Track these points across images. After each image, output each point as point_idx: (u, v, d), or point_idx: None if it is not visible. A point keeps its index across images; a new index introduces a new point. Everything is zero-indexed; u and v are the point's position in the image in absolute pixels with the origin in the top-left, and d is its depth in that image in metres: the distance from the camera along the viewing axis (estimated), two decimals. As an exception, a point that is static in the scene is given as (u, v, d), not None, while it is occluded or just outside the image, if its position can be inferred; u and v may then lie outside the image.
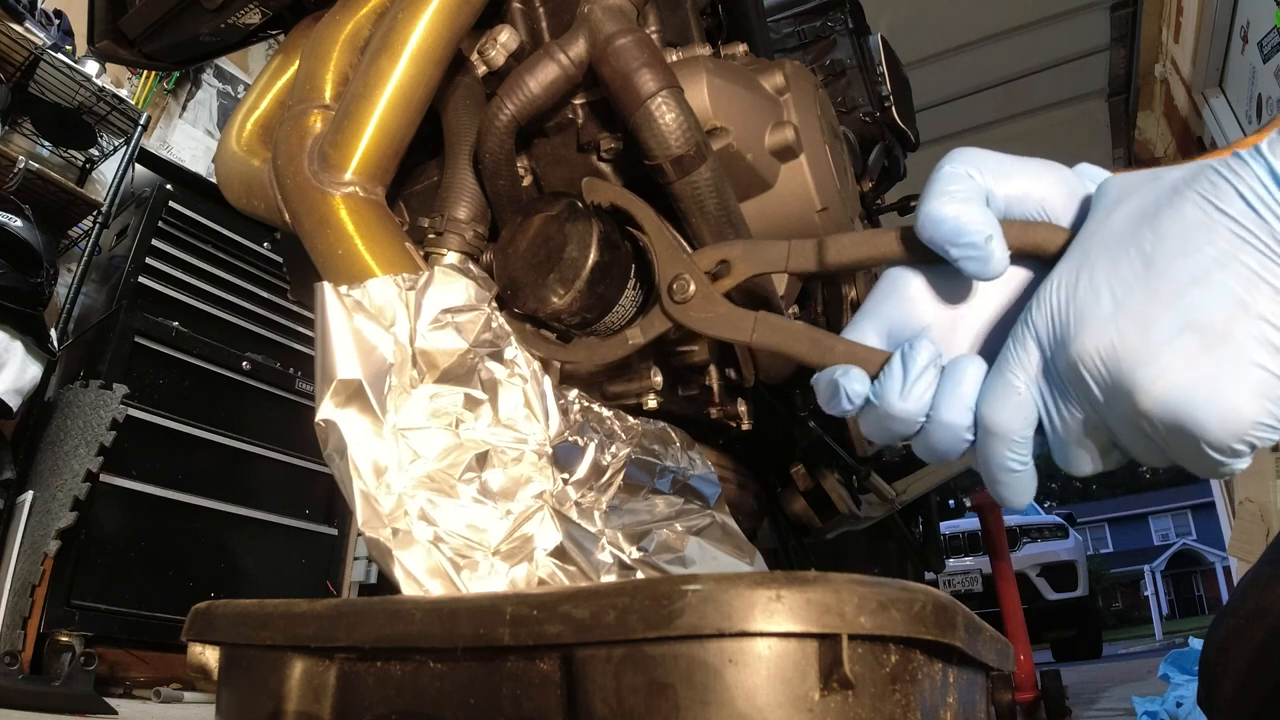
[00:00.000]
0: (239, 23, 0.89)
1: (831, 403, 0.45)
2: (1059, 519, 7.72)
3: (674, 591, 0.34)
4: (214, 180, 0.92)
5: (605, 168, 0.81)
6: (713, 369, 0.86)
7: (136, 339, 2.79)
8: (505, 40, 0.81)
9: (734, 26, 1.05)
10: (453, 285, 0.68)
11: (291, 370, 3.24)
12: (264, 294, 3.27)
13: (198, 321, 3.03)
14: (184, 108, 4.14)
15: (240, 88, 4.36)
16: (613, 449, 0.74)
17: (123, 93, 3.28)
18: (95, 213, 3.05)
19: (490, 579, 0.59)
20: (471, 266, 0.73)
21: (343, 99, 0.74)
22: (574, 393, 0.74)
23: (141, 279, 2.91)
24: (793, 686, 0.34)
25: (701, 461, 0.83)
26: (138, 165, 3.26)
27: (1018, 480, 0.41)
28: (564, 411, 0.70)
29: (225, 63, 4.31)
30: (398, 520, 0.59)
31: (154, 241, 2.99)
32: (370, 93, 0.71)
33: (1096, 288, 0.37)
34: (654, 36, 0.86)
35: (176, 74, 3.98)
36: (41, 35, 3.01)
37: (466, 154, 0.78)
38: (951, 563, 6.61)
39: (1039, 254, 0.43)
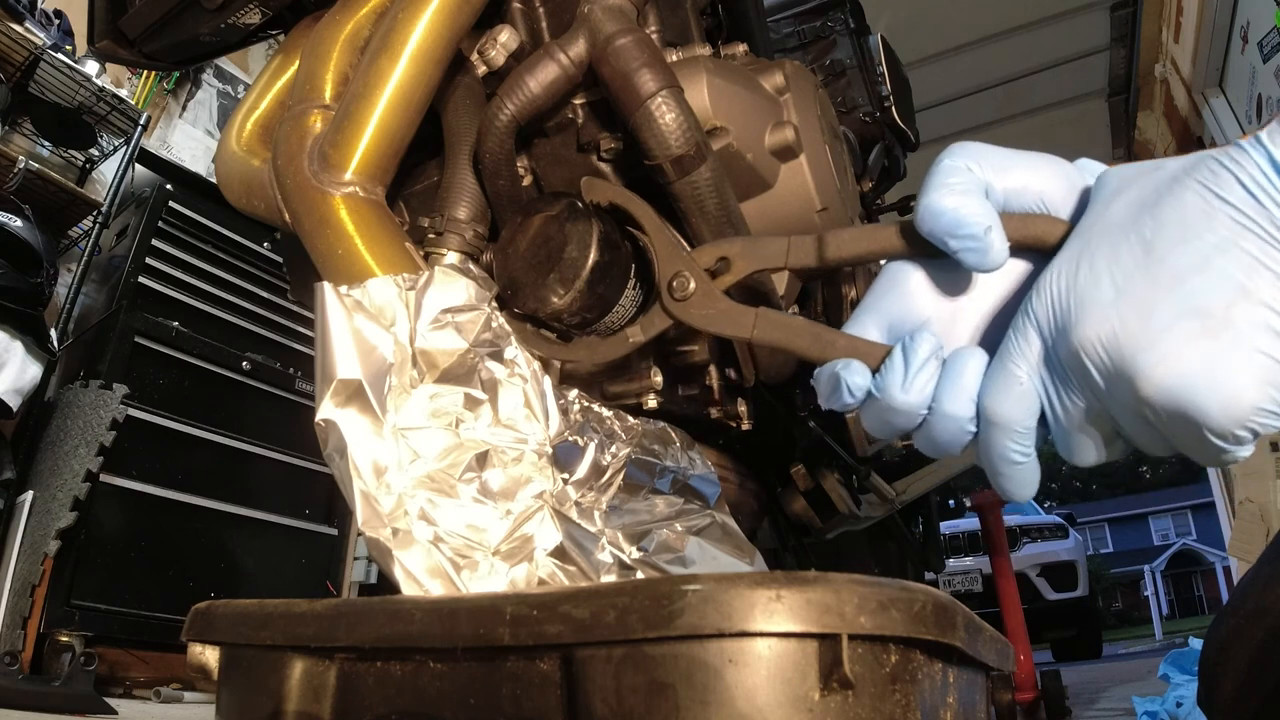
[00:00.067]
0: (239, 23, 0.89)
1: (833, 397, 0.45)
2: (1059, 519, 7.72)
3: (674, 591, 0.34)
4: (214, 180, 0.92)
5: (605, 168, 0.81)
6: (713, 369, 0.86)
7: (136, 339, 2.79)
8: (505, 40, 0.81)
9: (734, 26, 1.05)
10: (453, 285, 0.68)
11: (291, 370, 3.24)
12: (264, 294, 3.27)
13: (198, 321, 3.03)
14: (184, 108, 4.14)
15: (240, 88, 4.36)
16: (613, 449, 0.74)
17: (123, 93, 3.28)
18: (95, 213, 3.05)
19: (490, 579, 0.59)
20: (471, 266, 0.73)
21: (343, 99, 0.74)
22: (574, 393, 0.74)
23: (141, 279, 2.91)
24: (793, 686, 0.34)
25: (701, 461, 0.83)
26: (138, 165, 3.26)
27: (1020, 472, 0.41)
28: (564, 411, 0.70)
29: (225, 63, 4.31)
30: (398, 520, 0.59)
31: (154, 241, 2.99)
32: (370, 93, 0.71)
33: (1097, 275, 0.38)
34: (654, 36, 0.86)
35: (176, 74, 3.98)
36: (41, 35, 3.01)
37: (466, 154, 0.78)
38: (951, 563, 6.61)
39: (1038, 246, 0.43)
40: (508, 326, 0.69)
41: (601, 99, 0.78)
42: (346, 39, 0.78)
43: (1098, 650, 7.73)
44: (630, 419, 0.78)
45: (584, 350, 0.71)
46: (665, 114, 0.69)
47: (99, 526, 2.56)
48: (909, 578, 1.39)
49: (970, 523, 5.62)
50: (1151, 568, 20.47)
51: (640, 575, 0.65)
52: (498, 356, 0.67)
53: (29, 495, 2.54)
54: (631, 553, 0.67)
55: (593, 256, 0.68)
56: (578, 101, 0.80)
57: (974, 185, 0.42)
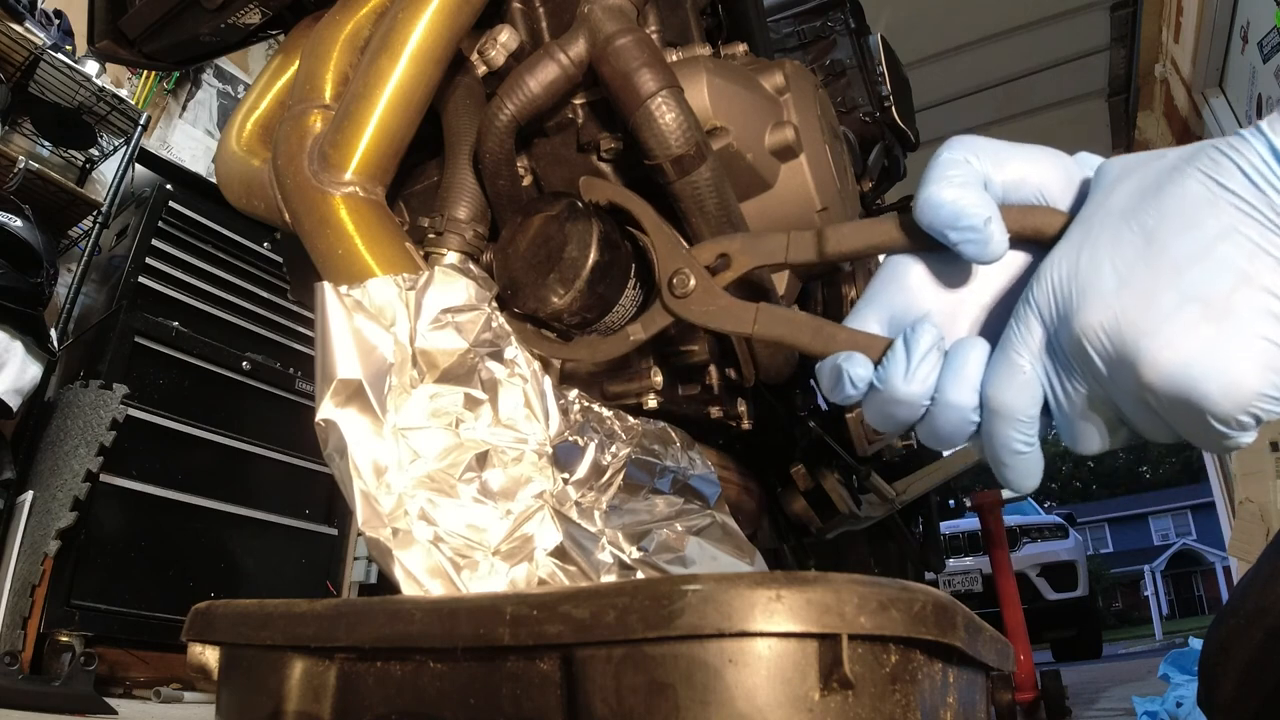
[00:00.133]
0: (239, 23, 0.89)
1: (835, 390, 0.45)
2: (1059, 519, 7.72)
3: (674, 591, 0.34)
4: (214, 180, 0.92)
5: (605, 167, 0.81)
6: (713, 368, 0.86)
7: (136, 339, 2.79)
8: (505, 40, 0.81)
9: (734, 26, 1.05)
10: (453, 285, 0.68)
11: (291, 370, 3.24)
12: (264, 294, 3.27)
13: (198, 321, 3.03)
14: (184, 108, 4.14)
15: (240, 88, 4.36)
16: (613, 449, 0.73)
17: (123, 93, 3.28)
18: (95, 213, 3.05)
19: (490, 579, 0.59)
20: (471, 266, 0.73)
21: (343, 99, 0.74)
22: (574, 393, 0.74)
23: (141, 279, 2.91)
24: (793, 686, 0.34)
25: (701, 461, 0.83)
26: (138, 165, 3.26)
27: (1024, 463, 0.41)
28: (564, 411, 0.70)
29: (225, 63, 4.31)
30: (398, 520, 0.59)
31: (154, 241, 2.99)
32: (370, 93, 0.71)
33: (1098, 263, 0.38)
34: (654, 36, 0.86)
35: (176, 74, 3.98)
36: (41, 35, 3.01)
37: (466, 154, 0.78)
38: (951, 563, 6.61)
39: (1038, 238, 0.43)
40: (508, 326, 0.69)
41: (601, 99, 0.78)
42: (346, 39, 0.78)
43: (1098, 650, 7.73)
44: (630, 419, 0.78)
45: (585, 349, 0.71)
46: (665, 114, 0.69)
47: (99, 526, 2.56)
48: (909, 578, 1.39)
49: (970, 523, 5.62)
50: (1151, 568, 20.47)
51: (640, 575, 0.65)
52: (498, 356, 0.67)
53: (29, 495, 2.54)
54: (631, 553, 0.67)
55: (593, 256, 0.68)
56: (578, 101, 0.80)
57: (973, 177, 0.42)
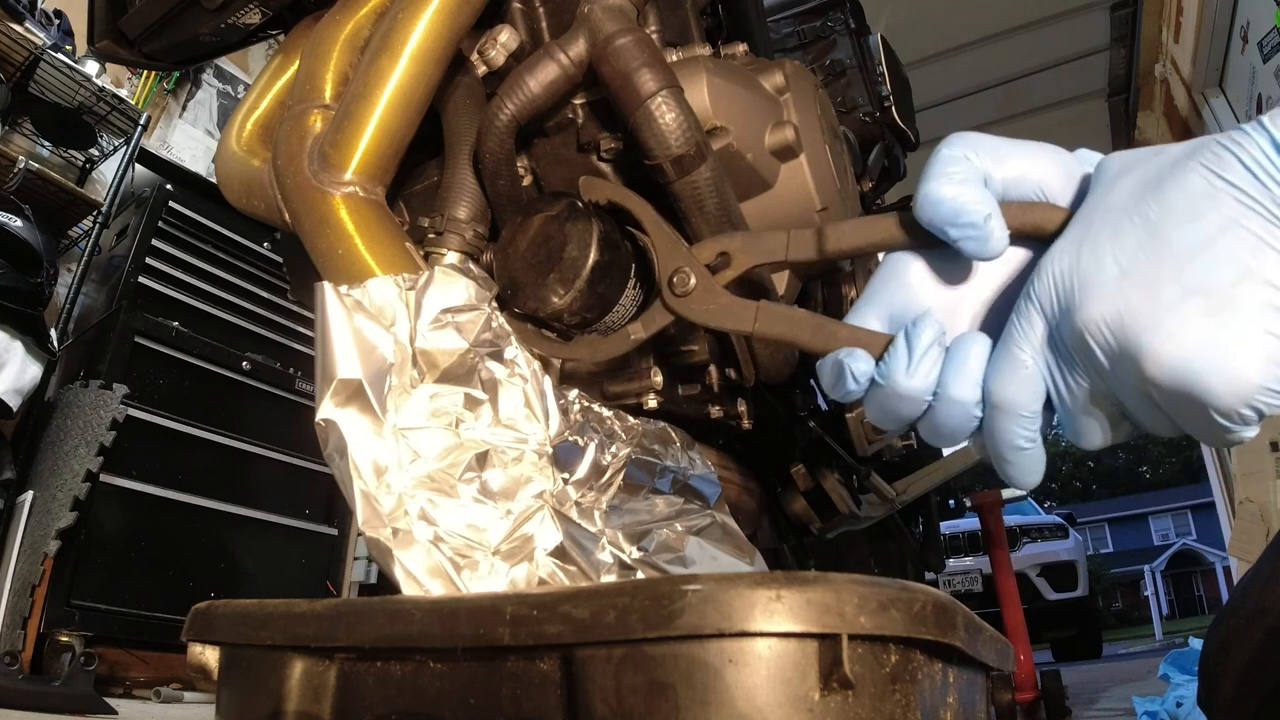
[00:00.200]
0: (239, 23, 0.89)
1: (837, 386, 0.45)
2: (1059, 519, 7.72)
3: (674, 591, 0.34)
4: (214, 180, 0.92)
5: (605, 167, 0.81)
6: (713, 368, 0.87)
7: (136, 339, 2.79)
8: (505, 40, 0.81)
9: (734, 26, 1.05)
10: (453, 285, 0.68)
11: (291, 370, 3.24)
12: (264, 294, 3.27)
13: (198, 321, 3.03)
14: (184, 108, 4.14)
15: (240, 88, 4.36)
16: (613, 449, 0.73)
17: (123, 93, 3.28)
18: (95, 213, 3.05)
19: (490, 579, 0.59)
20: (471, 266, 0.73)
21: (343, 99, 0.74)
22: (574, 393, 0.74)
23: (141, 279, 2.91)
24: (793, 686, 0.34)
25: (701, 461, 0.83)
26: (138, 165, 3.26)
27: (1026, 459, 0.41)
28: (564, 411, 0.70)
29: (225, 63, 4.31)
30: (398, 520, 0.59)
31: (154, 241, 2.99)
32: (370, 93, 0.71)
33: (1100, 256, 0.37)
34: (654, 36, 0.86)
35: (176, 74, 3.98)
36: (41, 35, 3.01)
37: (466, 154, 0.78)
38: (951, 563, 6.61)
39: (1038, 234, 0.43)
40: (508, 326, 0.69)
41: (601, 99, 0.78)
42: (346, 39, 0.78)
43: (1098, 650, 7.73)
44: (630, 419, 0.78)
45: (585, 348, 0.71)
46: (665, 114, 0.69)
47: (99, 526, 2.56)
48: (909, 578, 1.39)
49: (970, 523, 5.63)
50: (1151, 568, 20.47)
51: (640, 575, 0.65)
52: (498, 356, 0.67)
53: (29, 495, 2.54)
54: (631, 553, 0.67)
55: (593, 256, 0.68)
56: (578, 101, 0.80)
57: (973, 174, 0.42)
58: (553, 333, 0.76)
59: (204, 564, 2.83)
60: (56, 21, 3.22)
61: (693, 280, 0.53)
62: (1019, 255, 0.45)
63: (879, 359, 0.43)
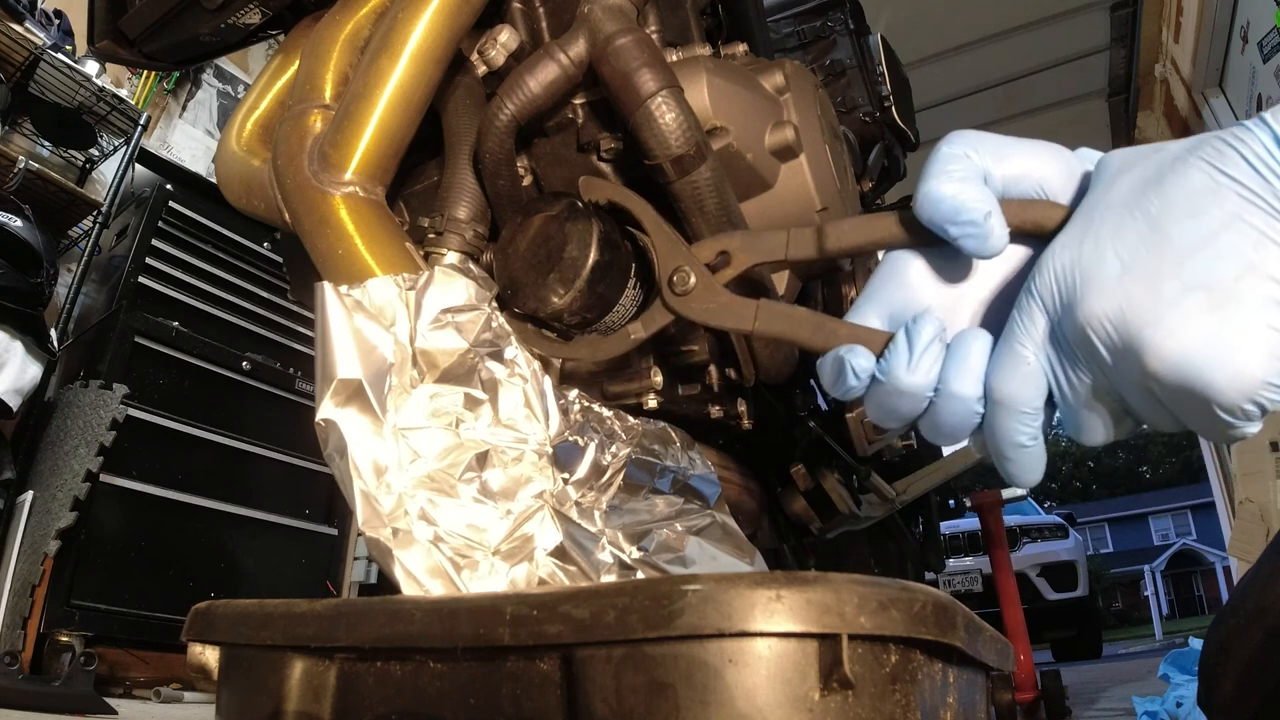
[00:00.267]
0: (239, 23, 0.89)
1: (838, 383, 0.44)
2: (1059, 519, 7.72)
3: (674, 591, 0.34)
4: (214, 180, 0.92)
5: (605, 167, 0.81)
6: (713, 368, 0.86)
7: (136, 339, 2.79)
8: (505, 40, 0.81)
9: (734, 26, 1.05)
10: (453, 285, 0.68)
11: (291, 370, 3.24)
12: (264, 294, 3.27)
13: (198, 321, 3.03)
14: (184, 108, 4.14)
15: (240, 88, 4.36)
16: (613, 449, 0.73)
17: (123, 93, 3.28)
18: (95, 213, 3.05)
19: (490, 579, 0.59)
20: (471, 266, 0.73)
21: (343, 99, 0.74)
22: (574, 393, 0.74)
23: (141, 279, 2.91)
24: (793, 686, 0.34)
25: (701, 461, 0.83)
26: (138, 165, 3.26)
27: (1027, 456, 0.41)
28: (564, 411, 0.70)
29: (225, 63, 4.31)
30: (398, 520, 0.59)
31: (154, 241, 2.99)
32: (370, 93, 0.71)
33: (1102, 252, 0.37)
34: (654, 36, 0.86)
35: (176, 74, 3.98)
36: (41, 35, 3.01)
37: (466, 154, 0.78)
38: (951, 563, 6.61)
39: (1038, 231, 0.43)
40: (508, 326, 0.69)
41: (601, 99, 0.78)
42: (346, 39, 0.78)
43: (1098, 650, 7.73)
44: (630, 419, 0.78)
45: (585, 348, 0.71)
46: (665, 114, 0.69)
47: (99, 526, 2.56)
48: (909, 578, 1.39)
49: (970, 523, 5.63)
50: (1151, 568, 20.46)
51: (640, 575, 0.65)
52: (498, 356, 0.67)
53: (29, 495, 2.54)
54: (631, 553, 0.67)
55: (593, 256, 0.68)
56: (578, 101, 0.80)
57: (973, 172, 0.42)
58: (553, 333, 0.76)
59: (204, 564, 2.83)
60: (56, 21, 3.22)
61: (693, 279, 0.53)
62: (1019, 253, 0.45)
63: (880, 356, 0.43)
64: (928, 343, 0.42)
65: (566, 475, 0.67)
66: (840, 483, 1.20)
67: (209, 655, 0.54)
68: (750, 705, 0.34)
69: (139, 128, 3.24)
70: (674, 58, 0.84)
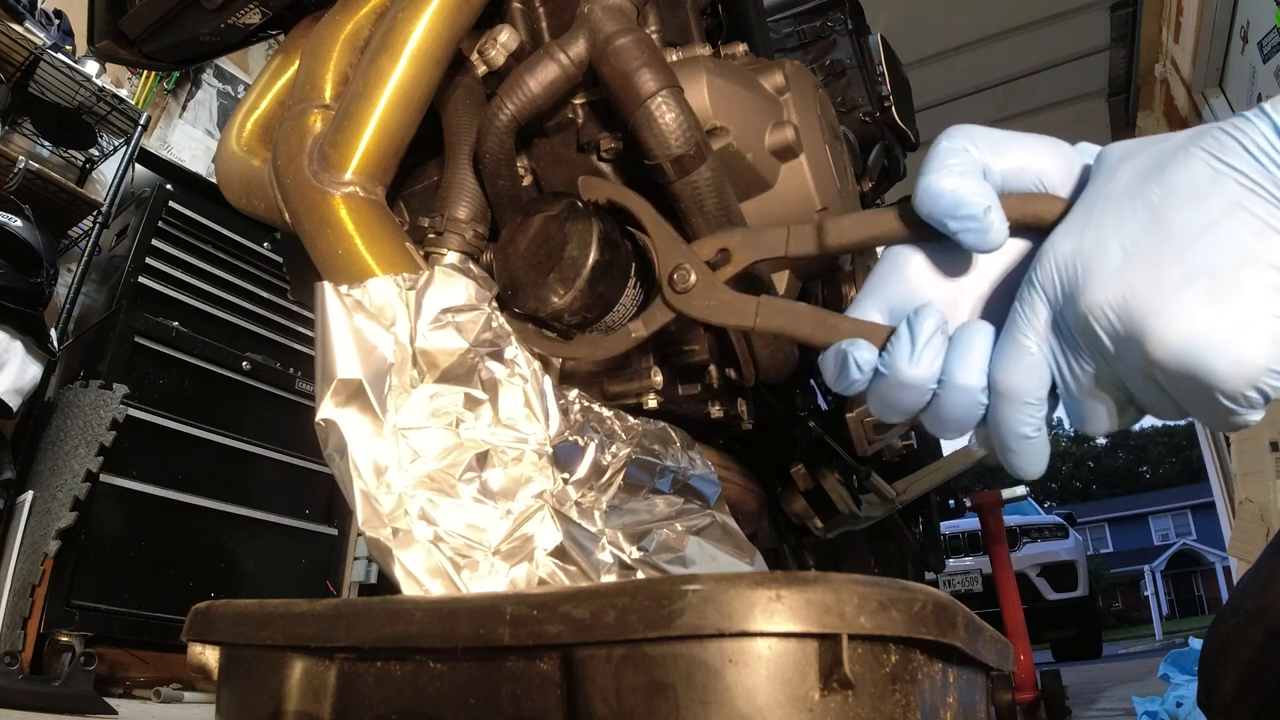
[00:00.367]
0: (239, 23, 0.89)
1: (840, 377, 0.44)
2: (1059, 519, 7.73)
3: (674, 591, 0.34)
4: (214, 180, 0.92)
5: (605, 167, 0.81)
6: (713, 368, 0.86)
7: (136, 339, 2.79)
8: (505, 40, 0.81)
9: (734, 26, 1.05)
10: (453, 285, 0.68)
11: (291, 370, 3.24)
12: (264, 294, 3.27)
13: (198, 321, 3.03)
14: (184, 108, 4.14)
15: (240, 88, 4.36)
16: (613, 449, 0.73)
17: (123, 93, 3.28)
18: (95, 213, 3.05)
19: (490, 579, 0.59)
20: (472, 266, 0.73)
21: (343, 99, 0.74)
22: (574, 393, 0.74)
23: (141, 279, 2.91)
24: (793, 686, 0.34)
25: (701, 461, 0.83)
26: (138, 165, 3.26)
27: (1031, 447, 0.41)
28: (564, 411, 0.70)
29: (225, 63, 4.31)
30: (398, 520, 0.59)
31: (154, 241, 2.99)
32: (370, 93, 0.71)
33: (1103, 241, 0.38)
34: (654, 36, 0.86)
35: (176, 74, 3.98)
36: (41, 35, 3.01)
37: (466, 154, 0.78)
38: (951, 563, 6.61)
39: (1037, 225, 0.43)
40: (508, 326, 0.69)
41: (601, 99, 0.78)
42: (346, 39, 0.78)
43: (1098, 650, 7.74)
44: (630, 419, 0.78)
45: (586, 347, 0.71)
46: (665, 114, 0.69)
47: (99, 526, 2.56)
48: (909, 578, 1.39)
49: (970, 523, 5.63)
50: (1151, 568, 20.47)
51: (640, 575, 0.65)
52: (498, 356, 0.67)
53: (29, 495, 2.54)
54: (631, 553, 0.67)
55: (593, 255, 0.68)
56: (578, 101, 0.80)
57: (972, 166, 0.42)
58: (553, 332, 0.76)
59: (204, 564, 2.83)
60: (56, 21, 3.22)
61: (693, 277, 0.53)
62: (1019, 247, 0.45)
63: (882, 349, 0.43)
64: (930, 335, 0.42)
65: (566, 475, 0.67)
66: (840, 483, 1.20)
67: (209, 655, 0.54)
68: (750, 705, 0.34)
69: (139, 128, 3.25)
70: (674, 58, 0.84)
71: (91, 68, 3.12)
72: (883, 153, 1.58)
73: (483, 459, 0.63)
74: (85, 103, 3.13)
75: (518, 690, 0.39)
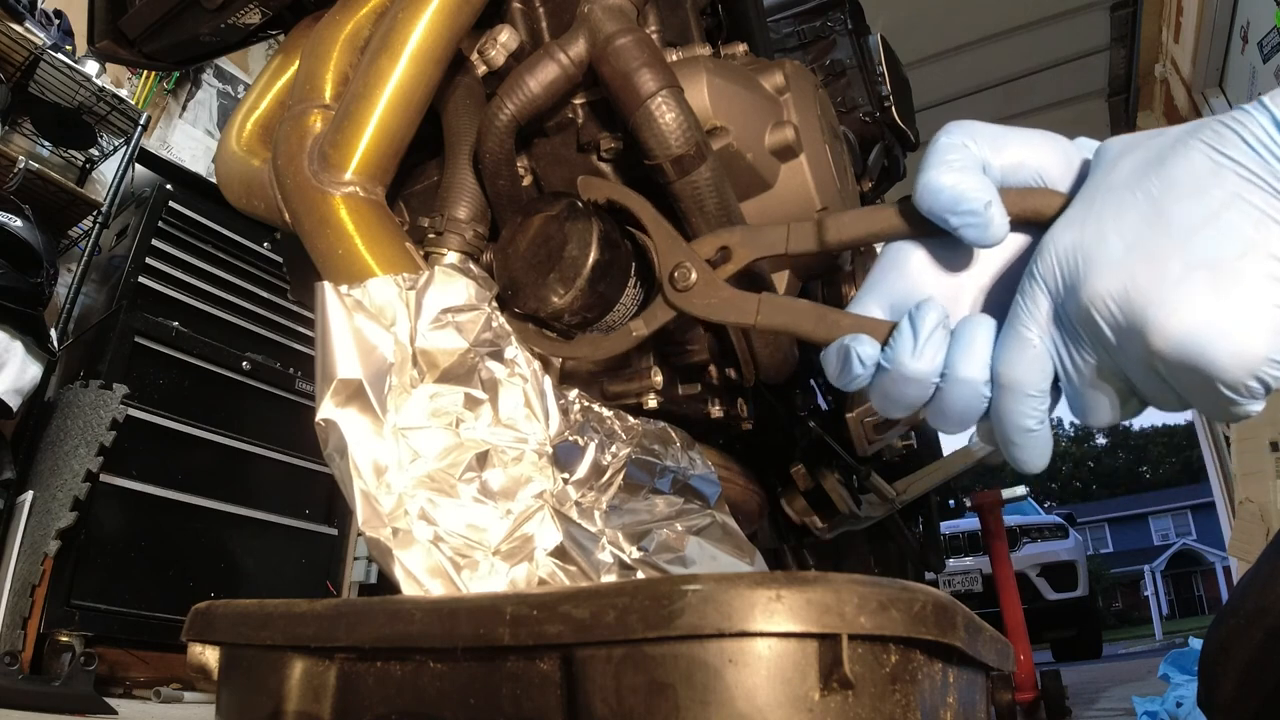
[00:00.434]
0: (239, 23, 0.89)
1: (843, 372, 0.44)
2: (1059, 519, 7.73)
3: (674, 591, 0.34)
4: (214, 180, 0.92)
5: (605, 167, 0.81)
6: (713, 368, 0.86)
7: (136, 339, 2.79)
8: (505, 40, 0.81)
9: (734, 26, 1.05)
10: (453, 285, 0.68)
11: (291, 370, 3.24)
12: (264, 294, 3.27)
13: (198, 321, 3.03)
14: (184, 108, 4.14)
15: (240, 88, 4.36)
16: (613, 449, 0.73)
17: (123, 93, 3.28)
18: (95, 213, 3.05)
19: (490, 579, 0.59)
20: (472, 266, 0.73)
21: (343, 99, 0.74)
22: (574, 392, 0.74)
23: (141, 279, 2.91)
24: (793, 686, 0.34)
25: (701, 461, 0.83)
26: (138, 165, 3.26)
27: (1034, 440, 0.41)
28: (564, 411, 0.70)
29: (225, 63, 4.31)
30: (398, 520, 0.59)
31: (154, 241, 3.00)
32: (370, 93, 0.71)
33: (1104, 232, 0.38)
34: (654, 36, 0.86)
35: (176, 74, 3.98)
36: (41, 35, 3.01)
37: (466, 154, 0.78)
38: (951, 563, 6.61)
39: (1037, 219, 0.43)
40: (508, 326, 0.69)
41: (601, 99, 0.78)
42: (346, 39, 0.78)
43: (1098, 650, 7.74)
44: (630, 419, 0.78)
45: (587, 346, 0.71)
46: (665, 114, 0.69)
47: (99, 526, 2.56)
48: (909, 578, 1.39)
49: (970, 523, 5.63)
50: (1151, 568, 20.47)
51: (640, 575, 0.65)
52: (498, 356, 0.67)
53: (29, 495, 2.54)
54: (631, 553, 0.67)
55: (593, 255, 0.68)
56: (578, 101, 0.80)
57: (971, 161, 0.43)
58: (553, 332, 0.76)
59: (204, 564, 2.83)
60: (56, 21, 3.22)
61: (694, 275, 0.53)
62: (1019, 241, 0.45)
63: (884, 344, 0.43)
64: (932, 328, 0.42)
65: (566, 475, 0.67)
66: (840, 483, 1.20)
67: (209, 655, 0.54)
68: (750, 705, 0.34)
69: (139, 128, 3.25)
70: (674, 58, 0.84)
71: (91, 68, 3.12)
72: (883, 153, 1.58)
73: (483, 459, 0.63)
74: (85, 103, 3.13)
75: (518, 690, 0.39)
